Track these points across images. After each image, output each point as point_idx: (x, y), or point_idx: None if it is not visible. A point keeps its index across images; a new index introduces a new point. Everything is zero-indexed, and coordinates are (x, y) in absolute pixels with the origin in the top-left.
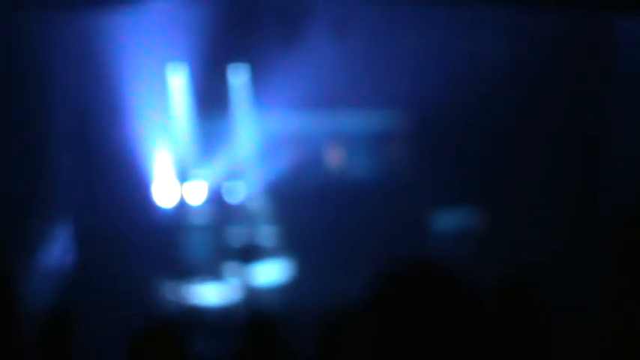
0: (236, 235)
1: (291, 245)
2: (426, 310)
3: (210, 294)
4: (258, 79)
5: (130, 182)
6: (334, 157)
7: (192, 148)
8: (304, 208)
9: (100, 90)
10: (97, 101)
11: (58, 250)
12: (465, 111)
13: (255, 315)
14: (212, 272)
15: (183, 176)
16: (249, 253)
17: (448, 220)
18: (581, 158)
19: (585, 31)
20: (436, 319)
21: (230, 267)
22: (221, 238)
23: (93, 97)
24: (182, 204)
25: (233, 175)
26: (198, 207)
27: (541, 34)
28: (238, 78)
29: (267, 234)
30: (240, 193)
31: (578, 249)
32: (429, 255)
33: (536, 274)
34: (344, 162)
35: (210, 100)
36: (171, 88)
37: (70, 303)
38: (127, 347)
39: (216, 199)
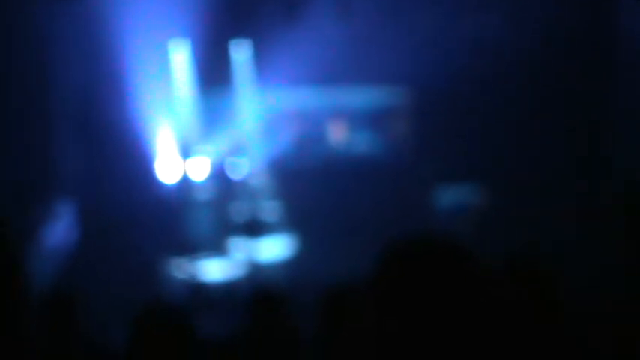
0: (239, 211)
1: (293, 221)
2: (430, 286)
3: (214, 269)
4: (260, 56)
5: (133, 159)
6: (337, 133)
7: (195, 124)
8: (307, 183)
9: (103, 67)
10: (100, 79)
11: (61, 229)
12: (468, 87)
13: (259, 290)
14: (216, 248)
15: (186, 153)
16: (253, 229)
17: (451, 197)
18: (585, 134)
19: (589, 16)
20: (441, 295)
21: (234, 242)
22: (224, 214)
23: (95, 75)
24: (185, 180)
25: (236, 151)
26: (202, 183)
27: (545, 7)
28: (241, 54)
29: (270, 210)
30: (243, 169)
31: (584, 226)
32: (433, 230)
33: (543, 252)
34: (346, 138)
35: (213, 76)
36: (174, 64)
37: (73, 282)
38: (131, 326)
39: (219, 175)
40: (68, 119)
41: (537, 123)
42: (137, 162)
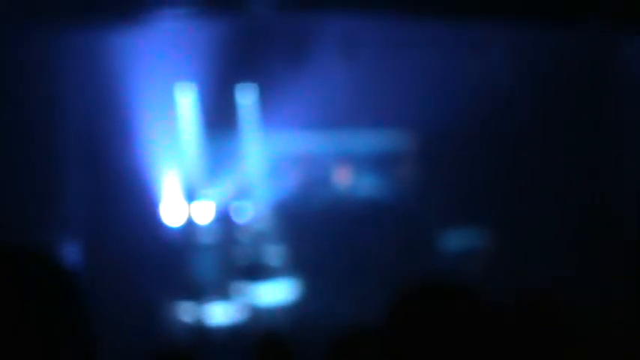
0: (243, 255)
1: (298, 265)
2: (443, 329)
3: (218, 313)
4: (265, 99)
5: (139, 202)
6: (342, 177)
7: (200, 167)
8: (312, 227)
9: (109, 109)
10: (106, 121)
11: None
12: (473, 131)
13: (263, 335)
14: (219, 291)
15: (191, 196)
16: (256, 273)
17: (458, 240)
18: (592, 174)
19: (590, 48)
20: (454, 337)
21: (237, 286)
22: (228, 258)
23: (102, 117)
24: (190, 223)
25: (240, 194)
26: (206, 226)
27: (548, 51)
28: (246, 98)
29: (274, 253)
30: (248, 212)
31: (593, 264)
32: (442, 274)
33: (554, 291)
34: (352, 182)
35: (218, 120)
36: (180, 107)
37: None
38: None
39: (223, 218)
40: (75, 163)
41: (546, 165)
42: (142, 204)
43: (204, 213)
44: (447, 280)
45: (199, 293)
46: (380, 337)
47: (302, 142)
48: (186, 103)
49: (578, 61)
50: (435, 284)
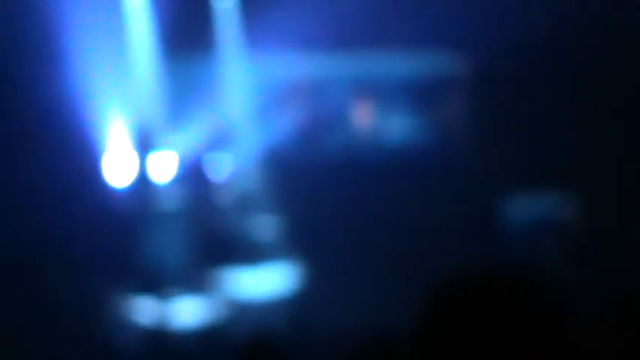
0: (222, 228)
1: (299, 242)
2: (500, 339)
3: (186, 312)
4: (253, 5)
5: (72, 155)
6: (361, 117)
7: (159, 104)
8: (317, 189)
9: (27, 23)
10: (23, 39)
11: None
12: (547, 54)
13: (252, 341)
14: (189, 280)
15: (145, 144)
16: (241, 254)
17: (527, 209)
18: None
19: None
20: (514, 351)
21: (214, 273)
22: (200, 232)
23: (16, 34)
24: (144, 183)
25: (217, 142)
26: (167, 186)
27: None
28: (225, 2)
29: (265, 226)
30: (227, 167)
31: None
32: (501, 258)
33: None
34: (375, 124)
35: (184, 34)
36: (128, 17)
37: None
38: None
39: (192, 175)
40: None
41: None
42: (76, 158)
43: (163, 168)
44: (511, 267)
45: (158, 283)
46: (412, 347)
47: (304, 66)
48: (137, 10)
49: None
50: (494, 273)
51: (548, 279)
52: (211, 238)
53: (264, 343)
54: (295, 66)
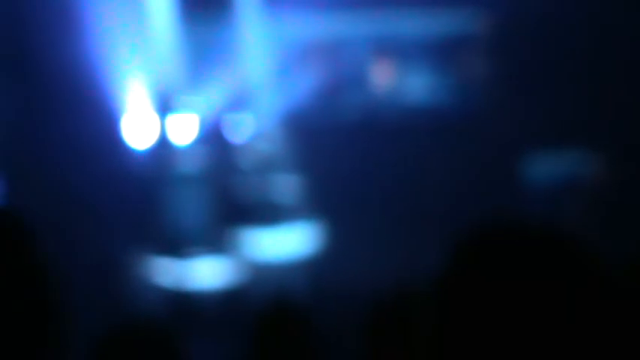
0: (242, 189)
1: (320, 202)
2: (522, 296)
3: (207, 273)
4: None
5: (92, 117)
6: (382, 76)
7: (177, 65)
8: (339, 149)
9: None
10: (42, 5)
11: None
12: (566, 10)
13: (273, 303)
14: (209, 242)
15: (165, 106)
16: (262, 214)
17: (549, 166)
18: None
19: None
20: (536, 307)
21: (235, 234)
22: (220, 193)
23: (36, 1)
24: (164, 144)
25: (236, 103)
26: (188, 148)
27: None
28: None
29: (286, 187)
30: (247, 128)
31: None
32: (525, 214)
33: None
34: (396, 82)
35: None
36: None
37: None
38: (93, 353)
39: (212, 137)
40: None
41: None
42: (96, 120)
43: (183, 130)
44: (532, 224)
45: (179, 244)
46: (434, 300)
47: (323, 25)
48: None
49: None
50: (513, 229)
51: (574, 234)
52: (232, 199)
53: (286, 306)
54: (314, 25)
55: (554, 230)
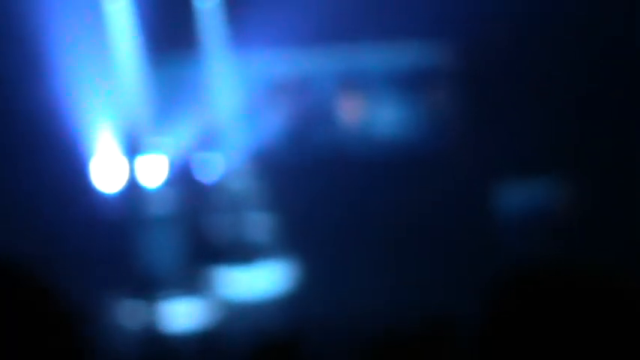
0: (215, 229)
1: (292, 240)
2: (570, 331)
3: (182, 314)
4: (235, 3)
5: (59, 161)
6: (350, 110)
7: (145, 106)
8: (310, 185)
9: (11, 29)
10: (7, 46)
11: None
12: (533, 42)
13: (261, 343)
14: (183, 283)
15: (133, 148)
16: (236, 253)
17: (520, 196)
18: None
19: None
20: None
21: (209, 274)
22: (193, 234)
23: None
24: (133, 187)
25: (205, 142)
26: (157, 190)
27: None
28: (208, 1)
29: (259, 224)
30: (217, 167)
31: None
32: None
33: None
34: (364, 116)
35: (169, 35)
36: (111, 19)
37: None
38: None
39: (182, 177)
40: None
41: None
42: (64, 164)
43: (153, 171)
44: (560, 265)
45: (152, 287)
46: (478, 339)
47: (290, 62)
48: (120, 11)
49: None
50: (550, 270)
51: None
52: (204, 239)
53: (273, 345)
54: (281, 63)
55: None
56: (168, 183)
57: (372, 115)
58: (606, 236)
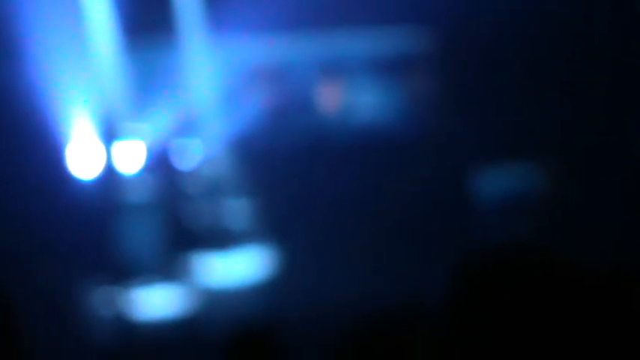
0: (192, 215)
1: (272, 225)
2: (525, 311)
3: (158, 301)
4: None
5: (36, 148)
6: (329, 97)
7: (122, 92)
8: (290, 171)
9: None
10: None
11: None
12: (523, 26)
13: (238, 331)
14: (159, 269)
15: (110, 134)
16: (214, 240)
17: (498, 182)
18: None
19: None
20: (539, 321)
21: (187, 261)
22: (171, 220)
23: None
24: (110, 173)
25: (184, 128)
26: (135, 177)
27: None
28: None
29: (237, 211)
30: (195, 153)
31: None
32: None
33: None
34: (344, 103)
35: (146, 20)
36: (88, 5)
37: None
38: None
39: (160, 164)
40: None
41: (614, 77)
42: (40, 151)
43: (130, 158)
44: (525, 247)
45: (130, 273)
46: (441, 321)
47: (269, 48)
48: None
49: None
50: (513, 251)
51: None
52: (182, 226)
53: (250, 333)
54: (260, 49)
55: (546, 247)
56: (146, 169)
57: (352, 101)
58: (583, 222)
